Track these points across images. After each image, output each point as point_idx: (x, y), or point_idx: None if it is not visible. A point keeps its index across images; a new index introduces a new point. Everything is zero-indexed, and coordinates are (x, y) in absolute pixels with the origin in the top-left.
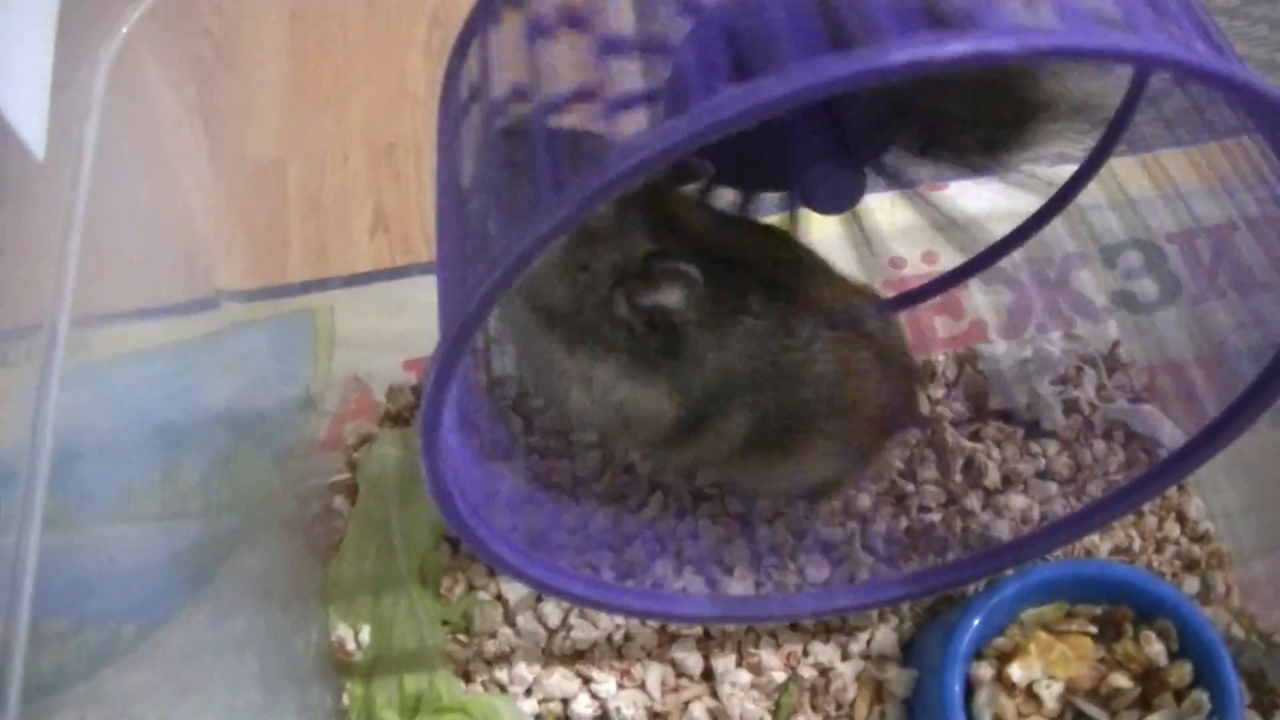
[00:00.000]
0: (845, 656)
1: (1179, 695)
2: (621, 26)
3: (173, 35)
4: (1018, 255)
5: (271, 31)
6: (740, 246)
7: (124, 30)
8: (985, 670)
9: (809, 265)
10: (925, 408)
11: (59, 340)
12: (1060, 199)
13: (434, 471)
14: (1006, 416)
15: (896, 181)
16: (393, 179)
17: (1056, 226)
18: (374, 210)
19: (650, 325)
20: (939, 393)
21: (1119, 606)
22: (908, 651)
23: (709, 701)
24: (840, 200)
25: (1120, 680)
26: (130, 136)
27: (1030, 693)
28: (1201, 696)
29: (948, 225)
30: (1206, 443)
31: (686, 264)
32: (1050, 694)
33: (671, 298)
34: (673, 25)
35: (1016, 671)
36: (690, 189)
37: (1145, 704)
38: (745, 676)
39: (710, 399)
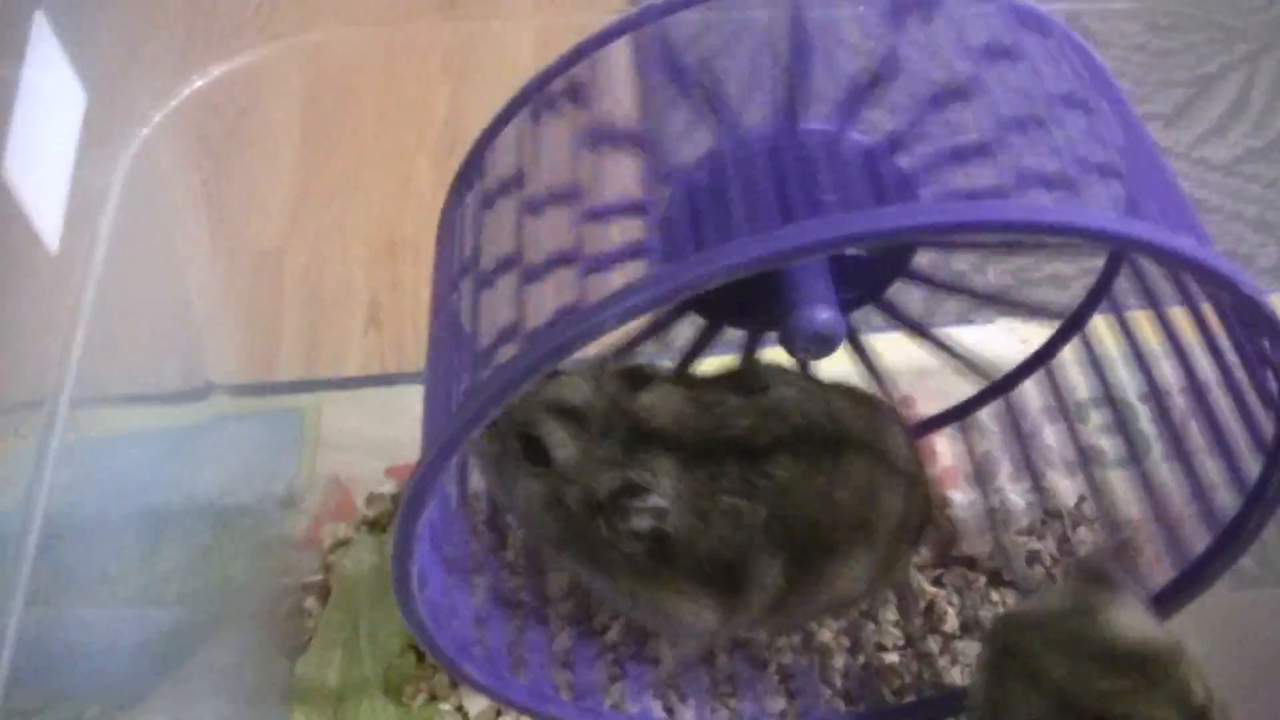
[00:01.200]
0: None
1: None
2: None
3: (189, 125)
4: (992, 406)
5: (283, 121)
6: (717, 419)
7: (145, 131)
8: None
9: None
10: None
11: (58, 423)
12: (1038, 359)
13: (403, 583)
14: (970, 563)
15: (895, 317)
16: (390, 277)
17: (1028, 384)
18: (368, 307)
19: (636, 537)
20: None
21: None
22: None
23: None
24: (817, 347)
25: None
26: (143, 227)
27: None
28: None
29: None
30: (1165, 602)
31: (651, 495)
32: None
33: (644, 523)
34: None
35: None
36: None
37: None
38: None
39: (728, 567)
